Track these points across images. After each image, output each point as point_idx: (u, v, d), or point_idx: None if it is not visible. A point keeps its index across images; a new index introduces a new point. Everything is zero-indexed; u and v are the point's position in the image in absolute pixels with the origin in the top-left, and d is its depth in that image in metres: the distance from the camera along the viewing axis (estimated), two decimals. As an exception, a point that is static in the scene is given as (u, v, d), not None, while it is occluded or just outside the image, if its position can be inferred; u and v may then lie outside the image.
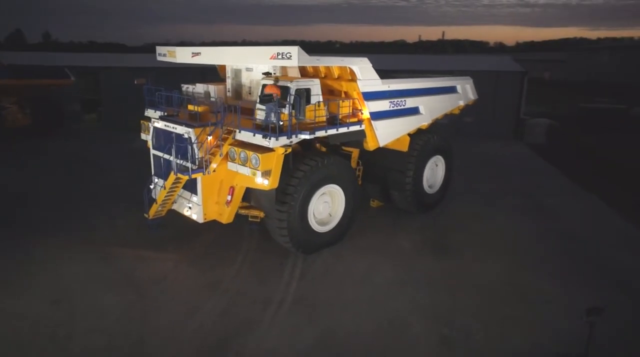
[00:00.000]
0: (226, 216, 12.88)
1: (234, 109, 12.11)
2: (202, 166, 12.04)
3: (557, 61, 72.97)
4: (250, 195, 12.93)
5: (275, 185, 11.89)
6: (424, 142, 15.91)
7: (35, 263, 12.81)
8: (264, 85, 12.62)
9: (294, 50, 11.07)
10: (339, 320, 10.46)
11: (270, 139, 11.45)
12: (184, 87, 15.97)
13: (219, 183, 12.90)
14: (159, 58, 15.88)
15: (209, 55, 13.47)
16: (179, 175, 12.06)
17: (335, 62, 12.61)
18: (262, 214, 13.68)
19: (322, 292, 11.65)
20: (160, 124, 13.57)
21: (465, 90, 17.63)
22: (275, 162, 11.73)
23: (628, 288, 11.91)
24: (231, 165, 12.32)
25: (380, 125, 13.98)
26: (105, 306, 10.86)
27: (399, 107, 14.60)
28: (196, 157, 12.21)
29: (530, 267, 12.96)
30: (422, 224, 16.03)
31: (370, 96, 13.48)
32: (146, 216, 13.73)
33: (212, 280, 12.14)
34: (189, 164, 12.17)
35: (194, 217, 13.09)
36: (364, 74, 13.07)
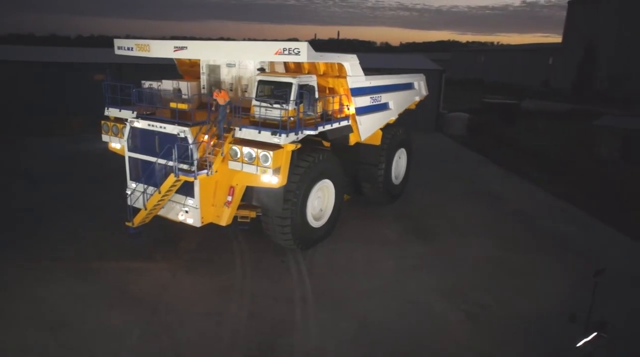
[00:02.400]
0: (226, 218, 12.35)
1: (231, 107, 11.68)
2: (205, 167, 11.42)
3: (445, 61, 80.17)
4: (251, 194, 12.55)
5: (285, 182, 11.77)
6: (392, 136, 16.78)
7: (7, 287, 11.06)
8: (259, 82, 12.36)
9: (303, 46, 11.05)
10: (366, 310, 10.76)
11: (280, 135, 11.30)
12: (147, 84, 14.87)
13: (214, 184, 12.32)
14: (119, 52, 14.55)
15: (196, 50, 12.73)
16: (183, 177, 11.29)
17: (334, 59, 12.78)
18: (252, 214, 13.39)
19: (337, 285, 11.83)
20: (141, 124, 12.49)
21: (420, 87, 18.92)
22: (284, 159, 11.60)
23: (585, 254, 13.99)
24: (233, 165, 11.86)
25: (363, 120, 14.48)
26: (117, 326, 9.83)
27: (376, 103, 15.26)
28: (195, 157, 11.55)
29: (505, 244, 14.51)
30: (395, 213, 16.92)
31: (356, 92, 13.90)
32: (129, 224, 12.57)
33: (221, 285, 11.62)
34: (183, 166, 11.48)
35: (190, 221, 12.33)
36: (354, 70, 13.45)
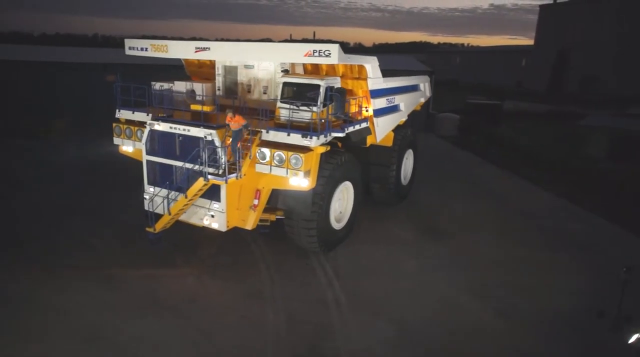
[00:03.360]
0: (252, 221, 12.18)
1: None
2: (235, 170, 11.22)
3: (421, 62, 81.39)
4: (276, 197, 12.40)
5: (314, 185, 11.71)
6: (402, 137, 16.95)
7: (29, 299, 10.57)
8: (285, 84, 12.25)
9: (334, 48, 11.02)
10: (401, 311, 10.83)
11: (311, 138, 11.23)
12: (157, 85, 14.52)
13: (239, 187, 12.13)
14: (131, 52, 14.14)
15: (220, 51, 12.47)
16: (213, 181, 11.06)
17: (359, 61, 12.77)
18: (272, 217, 13.27)
19: (366, 286, 11.85)
20: (162, 127, 12.17)
21: (425, 88, 19.18)
22: (314, 161, 11.55)
23: (595, 251, 14.51)
24: (261, 167, 11.71)
25: (380, 122, 14.56)
26: (153, 336, 9.55)
27: (391, 104, 15.38)
28: (223, 160, 11.34)
29: (517, 241, 14.89)
30: (405, 214, 17.10)
31: (374, 94, 13.96)
32: (150, 230, 12.23)
33: (250, 289, 11.46)
34: (209, 169, 11.26)
35: (215, 226, 12.09)
36: (374, 72, 13.51)
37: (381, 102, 14.50)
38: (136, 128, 13.60)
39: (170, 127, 12.07)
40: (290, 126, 11.78)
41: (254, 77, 13.71)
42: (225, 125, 11.67)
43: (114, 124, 14.03)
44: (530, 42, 73.56)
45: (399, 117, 16.41)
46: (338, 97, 11.84)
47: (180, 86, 14.43)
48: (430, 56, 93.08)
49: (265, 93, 13.71)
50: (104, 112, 27.38)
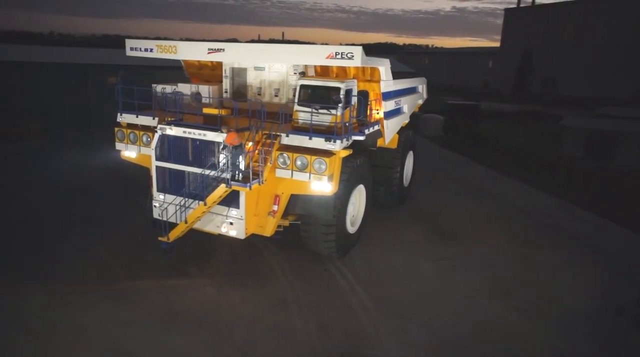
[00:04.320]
0: (271, 228, 11.88)
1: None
2: (258, 176, 10.88)
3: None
4: (294, 202, 12.12)
5: (337, 189, 11.52)
6: (405, 138, 17.01)
7: (41, 316, 9.88)
8: (302, 86, 12.00)
9: (358, 50, 10.89)
10: (427, 313, 10.81)
11: (335, 141, 11.05)
12: (159, 87, 13.97)
13: (257, 193, 11.80)
14: (133, 53, 13.52)
15: (235, 53, 12.06)
16: (236, 187, 10.69)
17: (374, 63, 12.66)
18: (286, 223, 13.01)
19: (387, 290, 11.78)
20: (175, 131, 11.67)
21: (423, 90, 19.34)
22: (337, 165, 11.37)
23: (597, 248, 15.01)
24: (281, 173, 11.42)
25: (389, 124, 14.55)
26: (183, 352, 9.13)
27: (398, 107, 15.40)
28: (242, 166, 10.99)
29: (522, 240, 15.20)
30: (408, 215, 17.15)
31: (385, 96, 13.93)
32: (164, 239, 11.72)
33: (273, 297, 11.16)
34: (227, 175, 10.90)
35: (233, 233, 11.71)
36: (387, 74, 13.46)
37: (390, 105, 14.49)
38: (141, 133, 13.02)
39: (184, 132, 11.59)
40: (304, 129, 11.59)
41: (265, 79, 13.38)
42: (245, 128, 11.33)
43: (116, 129, 13.38)
44: (491, 43, 76.07)
45: (403, 119, 16.47)
46: (361, 100, 11.70)
47: (184, 89, 13.92)
48: (399, 57, 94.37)
49: (276, 96, 13.41)
50: (74, 113, 26.64)
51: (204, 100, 13.80)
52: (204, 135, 11.32)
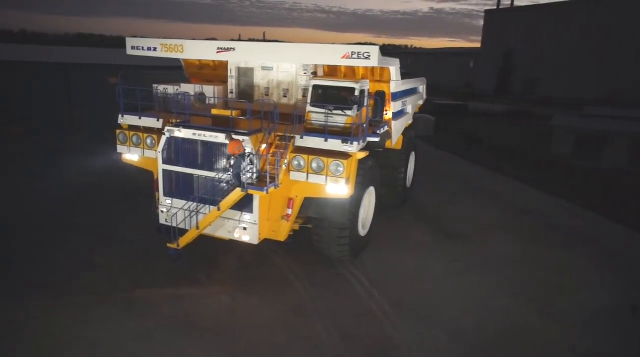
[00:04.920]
0: (284, 232, 11.55)
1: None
2: (274, 179, 10.52)
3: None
4: (308, 206, 11.81)
5: (353, 192, 11.26)
6: (409, 139, 16.89)
7: (49, 332, 9.32)
8: (315, 87, 11.70)
9: (375, 50, 10.67)
10: (448, 316, 10.65)
11: (352, 143, 10.79)
12: (160, 88, 13.49)
13: (269, 197, 11.44)
14: (134, 52, 12.99)
15: (246, 52, 11.66)
16: (254, 192, 10.31)
17: (387, 63, 12.44)
18: (296, 226, 12.69)
19: (404, 293, 11.57)
20: (184, 133, 11.22)
21: (423, 91, 19.27)
22: (354, 168, 11.12)
23: (603, 246, 15.15)
24: (296, 175, 11.10)
25: (396, 125, 14.37)
26: (205, 362, 8.74)
27: (404, 107, 15.24)
28: (257, 169, 10.63)
29: (528, 239, 15.24)
30: (411, 215, 17.02)
31: (394, 97, 13.74)
32: (173, 245, 11.24)
33: (290, 305, 10.82)
34: (242, 179, 10.53)
35: (245, 239, 11.32)
36: (397, 75, 13.27)
37: (398, 105, 14.32)
38: (146, 135, 12.50)
39: (194, 134, 11.16)
40: (318, 131, 11.32)
41: (273, 79, 13.03)
42: (257, 130, 10.97)
43: (118, 131, 12.83)
44: (468, 44, 77.44)
45: (407, 120, 16.34)
46: (378, 100, 11.47)
47: (187, 89, 13.44)
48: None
49: (285, 96, 13.07)
50: (56, 114, 25.63)
51: (208, 101, 13.35)
52: (216, 137, 10.92)
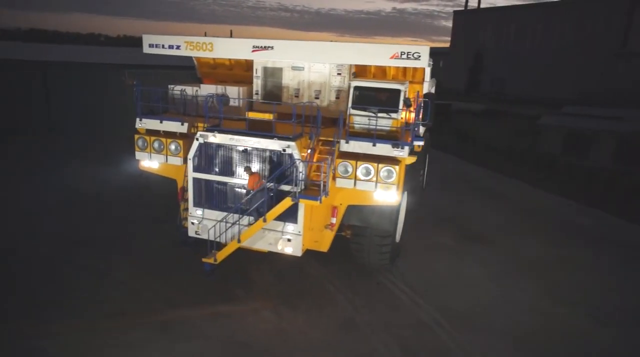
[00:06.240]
0: (328, 242, 10.96)
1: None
2: (323, 188, 9.87)
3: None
4: (350, 213, 11.23)
5: (400, 198, 10.79)
6: (427, 141, 16.59)
7: (91, 363, 8.34)
8: (357, 88, 11.13)
9: (425, 51, 10.24)
10: (502, 324, 10.37)
11: (403, 148, 10.31)
12: (177, 88, 12.60)
13: (311, 206, 10.80)
14: (152, 51, 12.00)
15: (285, 51, 10.91)
16: (307, 201, 9.64)
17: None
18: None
19: (451, 301, 11.20)
20: (219, 138, 10.40)
21: (433, 91, 18.99)
22: (402, 173, 10.64)
23: (619, 244, 15.40)
24: (342, 182, 10.51)
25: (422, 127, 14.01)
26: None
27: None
28: (303, 177, 9.98)
29: (548, 240, 15.26)
30: (427, 217, 16.74)
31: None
32: (210, 260, 10.42)
33: (340, 318, 10.26)
34: (294, 188, 9.89)
35: (289, 251, 10.63)
36: (429, 75, 12.89)
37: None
38: (169, 140, 11.55)
39: (231, 139, 10.36)
40: (360, 134, 10.80)
41: (304, 80, 12.35)
42: (299, 135, 10.31)
43: (136, 136, 11.80)
44: (431, 44, 78.50)
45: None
46: (428, 103, 11.05)
47: (208, 90, 12.56)
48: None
49: (317, 98, 12.42)
50: (31, 116, 23.72)
51: (232, 103, 12.53)
52: (258, 142, 10.17)
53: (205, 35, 14.24)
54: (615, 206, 18.74)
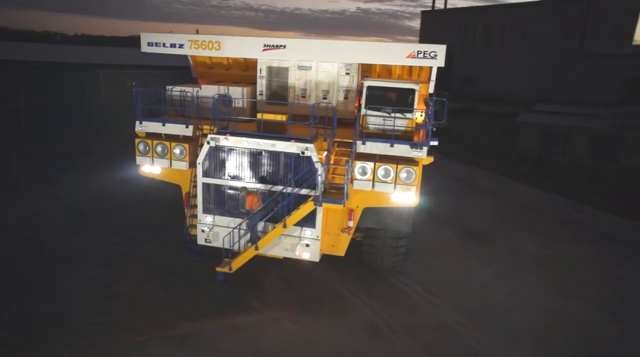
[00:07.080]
0: (344, 246, 10.69)
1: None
2: (344, 192, 9.58)
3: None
4: (366, 216, 10.98)
5: (418, 200, 10.63)
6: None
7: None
8: (370, 88, 10.89)
9: (442, 49, 10.15)
10: (521, 322, 10.38)
11: (422, 148, 10.15)
12: (175, 89, 12.04)
13: (327, 210, 10.49)
14: (151, 49, 11.37)
15: (299, 49, 10.52)
16: (329, 205, 9.31)
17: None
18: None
19: (467, 301, 11.15)
20: (232, 141, 9.93)
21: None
22: (420, 174, 10.49)
23: (615, 239, 15.82)
24: (360, 184, 10.26)
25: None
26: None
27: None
28: (323, 180, 9.66)
29: (546, 236, 15.49)
30: (427, 216, 16.70)
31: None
32: (224, 269, 9.96)
33: (361, 324, 10.03)
34: (315, 192, 9.58)
35: (306, 256, 10.30)
36: (434, 74, 12.81)
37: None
38: (174, 143, 10.97)
39: (245, 142, 9.92)
40: (371, 135, 10.60)
41: (311, 80, 11.99)
42: (314, 136, 9.99)
43: (137, 140, 11.16)
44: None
45: (428, 121, 15.99)
46: (444, 103, 10.93)
47: (209, 91, 12.03)
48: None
49: (325, 98, 12.10)
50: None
51: (235, 104, 12.04)
52: (273, 145, 9.78)
53: (197, 32, 13.67)
54: (607, 202, 19.19)
